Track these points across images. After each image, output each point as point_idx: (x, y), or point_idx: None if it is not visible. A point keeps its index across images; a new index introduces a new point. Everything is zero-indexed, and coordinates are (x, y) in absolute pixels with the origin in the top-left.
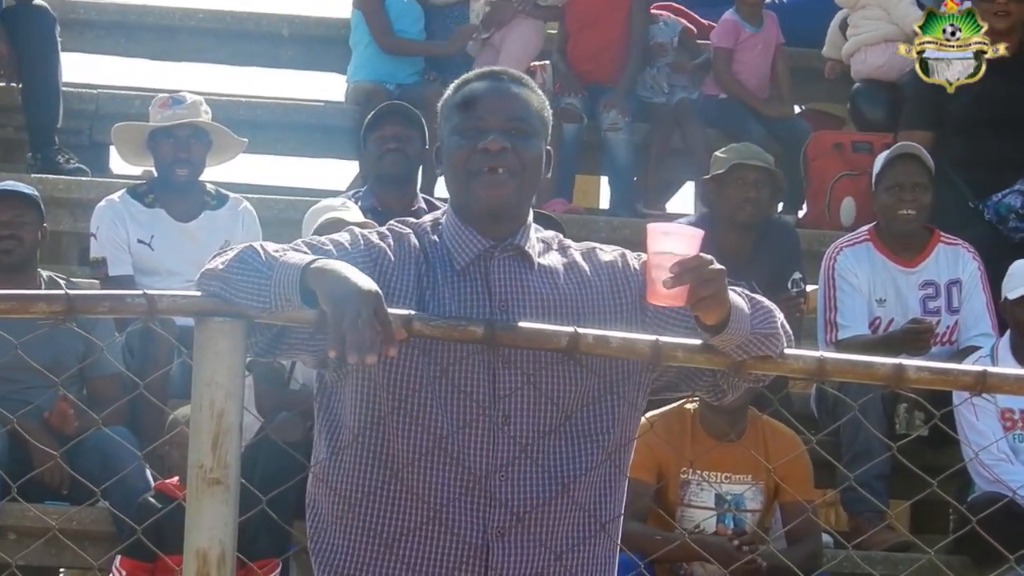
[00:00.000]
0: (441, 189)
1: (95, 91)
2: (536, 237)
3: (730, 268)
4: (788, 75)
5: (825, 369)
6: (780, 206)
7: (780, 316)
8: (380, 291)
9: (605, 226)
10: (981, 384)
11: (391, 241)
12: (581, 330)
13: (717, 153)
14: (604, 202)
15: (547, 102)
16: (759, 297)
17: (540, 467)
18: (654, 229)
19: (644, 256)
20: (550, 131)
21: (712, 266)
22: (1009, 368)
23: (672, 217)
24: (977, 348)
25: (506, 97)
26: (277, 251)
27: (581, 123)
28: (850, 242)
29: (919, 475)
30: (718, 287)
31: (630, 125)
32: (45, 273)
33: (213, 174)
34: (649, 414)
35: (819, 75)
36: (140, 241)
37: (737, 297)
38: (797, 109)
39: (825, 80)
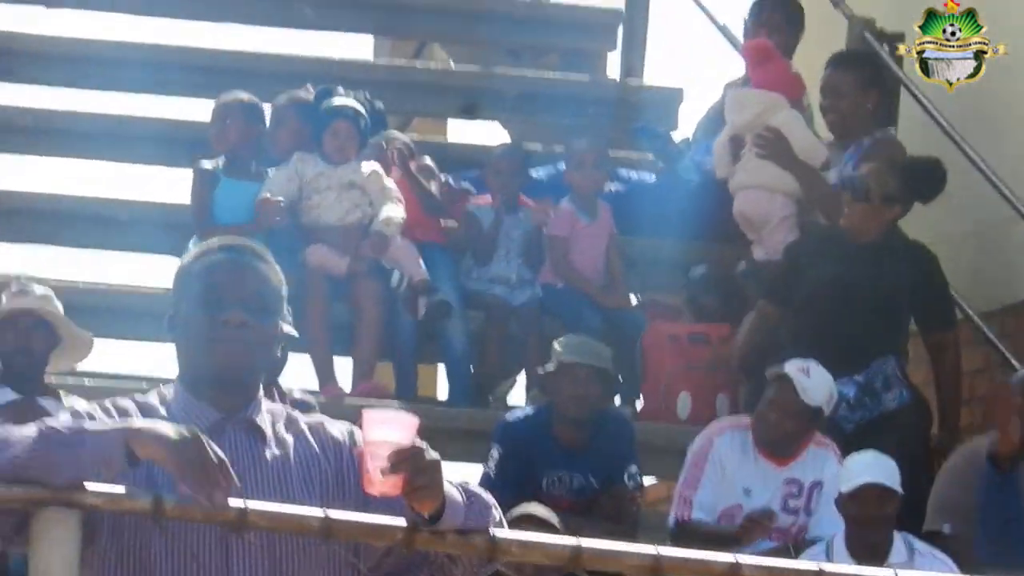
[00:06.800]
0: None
1: None
2: (265, 409)
3: (567, 460)
4: (621, 264)
5: (661, 565)
6: (617, 398)
7: (498, 514)
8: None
9: (443, 416)
10: None
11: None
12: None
13: (555, 344)
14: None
15: (284, 278)
16: (478, 490)
17: None
18: (370, 417)
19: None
20: (285, 308)
21: (428, 456)
22: (843, 565)
23: (510, 407)
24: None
25: (247, 271)
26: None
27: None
28: (735, 425)
29: None
30: (433, 477)
31: (464, 312)
32: None
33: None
34: None
35: (654, 265)
36: None
37: (453, 489)
38: (635, 300)
39: (660, 270)
